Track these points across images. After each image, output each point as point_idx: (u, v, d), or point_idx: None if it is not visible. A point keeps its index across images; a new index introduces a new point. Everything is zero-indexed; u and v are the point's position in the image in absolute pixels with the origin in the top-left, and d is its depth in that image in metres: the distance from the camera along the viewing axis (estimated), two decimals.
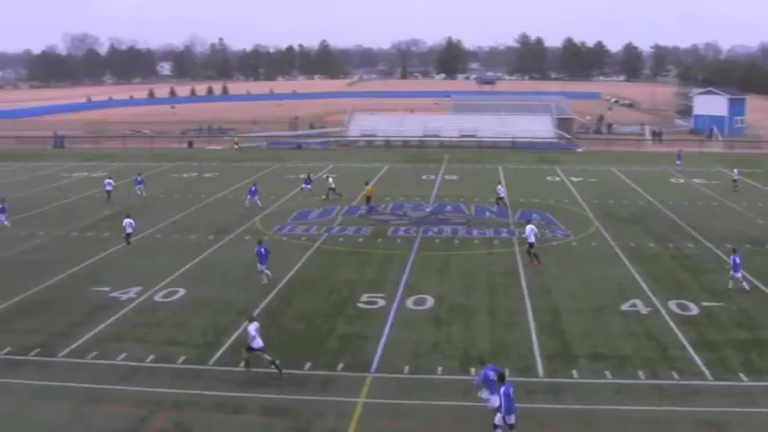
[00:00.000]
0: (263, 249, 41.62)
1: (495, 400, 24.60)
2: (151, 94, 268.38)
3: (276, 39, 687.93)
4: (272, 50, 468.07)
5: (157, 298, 38.86)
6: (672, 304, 36.87)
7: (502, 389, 23.97)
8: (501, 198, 62.56)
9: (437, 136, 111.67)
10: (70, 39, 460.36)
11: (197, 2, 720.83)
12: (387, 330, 33.58)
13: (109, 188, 67.39)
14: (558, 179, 76.42)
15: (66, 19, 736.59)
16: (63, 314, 36.65)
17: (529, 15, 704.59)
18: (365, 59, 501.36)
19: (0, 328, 34.88)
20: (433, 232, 52.46)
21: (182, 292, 39.75)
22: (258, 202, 61.22)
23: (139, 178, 69.12)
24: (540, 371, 29.22)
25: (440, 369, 29.15)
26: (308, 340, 32.67)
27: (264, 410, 26.23)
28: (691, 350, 31.19)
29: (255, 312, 35.89)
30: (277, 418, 25.70)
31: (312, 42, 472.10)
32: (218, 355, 31.15)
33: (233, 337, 33.02)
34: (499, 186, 64.39)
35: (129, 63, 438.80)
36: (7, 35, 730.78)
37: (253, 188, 62.43)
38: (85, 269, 44.86)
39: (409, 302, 37.33)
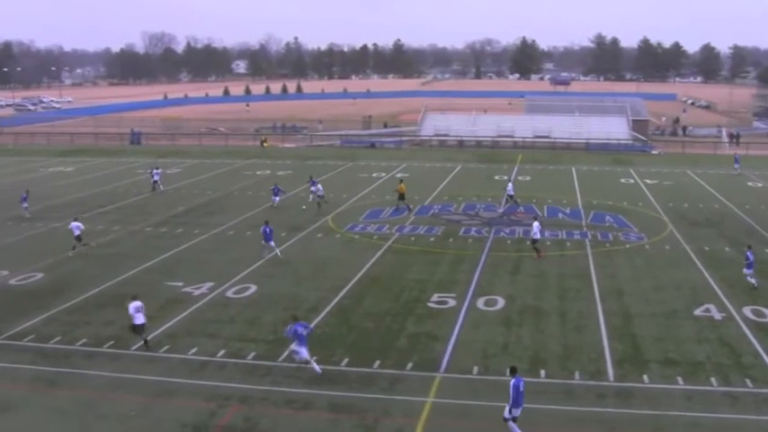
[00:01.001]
0: (267, 229, 45.73)
1: (304, 352, 28.56)
2: (226, 92, 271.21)
3: (351, 38, 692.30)
4: (346, 49, 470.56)
5: (229, 294, 39.27)
6: (747, 310, 36.22)
7: (512, 381, 24.25)
8: (511, 196, 62.30)
9: (510, 136, 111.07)
10: (148, 37, 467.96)
11: (273, 1, 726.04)
12: (457, 330, 33.53)
13: (156, 178, 70.98)
14: (632, 181, 75.51)
15: (144, 18, 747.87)
16: None
17: (604, 15, 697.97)
18: (439, 59, 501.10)
19: (77, 319, 35.62)
20: (505, 233, 52.21)
21: (253, 288, 40.12)
22: (274, 202, 61.34)
23: (157, 171, 72.89)
24: (611, 375, 28.90)
25: (509, 371, 28.97)
26: (378, 338, 32.74)
27: (332, 407, 26.35)
28: (765, 358, 30.59)
29: (327, 309, 36.22)
30: (344, 415, 25.81)
31: (386, 41, 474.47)
32: (287, 352, 31.32)
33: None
34: (509, 184, 64.05)
35: (205, 61, 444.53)
36: (88, 34, 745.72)
37: (275, 188, 62.73)
38: (159, 264, 45.52)
39: (480, 303, 37.22)
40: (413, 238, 50.70)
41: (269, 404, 26.66)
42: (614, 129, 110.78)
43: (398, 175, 64.84)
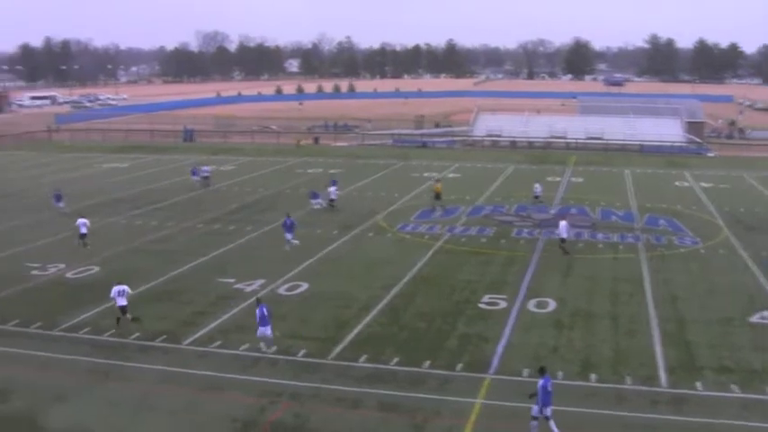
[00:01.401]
0: (288, 221, 48.32)
1: (267, 331, 31.01)
2: (279, 91, 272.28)
3: (403, 37, 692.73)
4: (398, 49, 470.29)
5: (281, 291, 39.52)
6: None
7: (540, 381, 24.40)
8: (537, 197, 62.54)
9: (563, 137, 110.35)
10: (202, 36, 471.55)
11: (326, 0, 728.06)
12: (507, 332, 33.46)
13: (206, 174, 72.49)
14: (686, 184, 74.66)
15: (198, 17, 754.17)
16: (189, 303, 37.68)
17: (660, 15, 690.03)
18: (492, 59, 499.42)
19: (131, 313, 35.99)
20: (557, 235, 51.93)
21: (305, 285, 40.32)
22: (314, 205, 60.64)
23: (195, 169, 74.52)
24: (663, 381, 28.64)
25: (560, 374, 28.86)
26: (428, 339, 32.77)
27: (382, 406, 26.44)
28: None
29: (378, 308, 36.34)
30: (394, 414, 25.89)
31: (439, 41, 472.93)
32: (338, 349, 31.50)
33: (354, 333, 33.38)
34: (536, 185, 64.21)
35: (258, 60, 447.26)
36: (143, 32, 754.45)
37: (313, 192, 62.36)
38: (212, 260, 45.92)
39: (531, 305, 37.09)
40: (464, 239, 50.64)
41: (319, 402, 26.82)
42: (668, 131, 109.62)
43: (435, 175, 64.69)
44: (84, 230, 49.13)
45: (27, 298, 38.85)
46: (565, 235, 47.04)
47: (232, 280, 41.39)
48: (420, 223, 55.26)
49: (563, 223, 47.56)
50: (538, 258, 45.82)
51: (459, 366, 29.61)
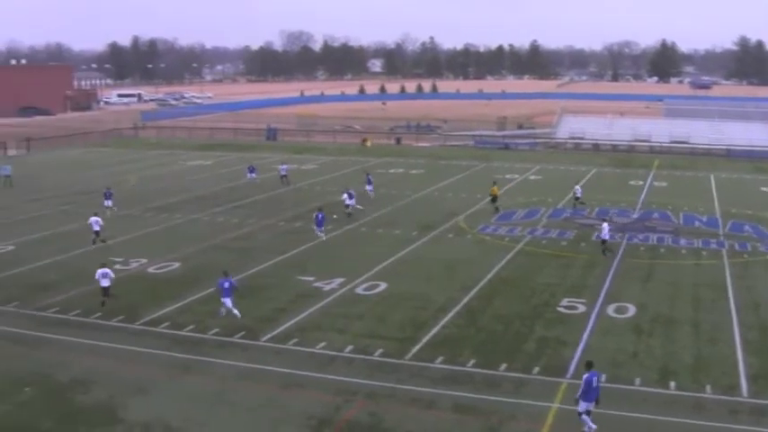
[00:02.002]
0: (320, 215, 50.51)
1: (228, 303, 34.50)
2: (362, 91, 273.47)
3: (487, 38, 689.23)
4: (482, 50, 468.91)
5: (359, 290, 39.65)
6: None
7: (585, 375, 24.51)
8: (578, 198, 61.99)
9: (647, 141, 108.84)
10: (286, 35, 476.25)
11: (410, 1, 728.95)
12: (585, 336, 33.09)
13: (284, 173, 73.64)
14: None
15: (283, 16, 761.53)
16: (268, 300, 38.02)
17: (749, 17, 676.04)
18: (576, 61, 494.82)
19: (210, 309, 36.49)
20: (639, 239, 51.26)
21: (383, 285, 40.39)
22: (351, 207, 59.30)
23: (252, 167, 76.40)
24: (744, 390, 27.99)
25: (638, 380, 28.46)
26: (506, 341, 32.58)
27: (457, 408, 26.34)
28: None
29: (456, 309, 36.27)
30: (469, 416, 25.78)
31: (523, 42, 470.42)
32: (415, 350, 31.48)
33: (431, 334, 33.33)
34: (577, 186, 63.54)
35: (342, 60, 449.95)
36: (228, 32, 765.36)
37: (349, 193, 59.82)
38: (291, 258, 46.28)
39: (610, 309, 36.64)
40: (544, 241, 50.26)
41: (394, 401, 26.83)
42: (757, 135, 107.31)
43: (494, 178, 64.46)
44: (96, 228, 49.50)
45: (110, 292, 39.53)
46: (606, 237, 47.18)
47: (311, 278, 41.65)
48: (500, 225, 54.98)
49: (605, 225, 47.83)
50: (618, 263, 45.24)
51: (536, 370, 29.38)
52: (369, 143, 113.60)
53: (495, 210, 59.36)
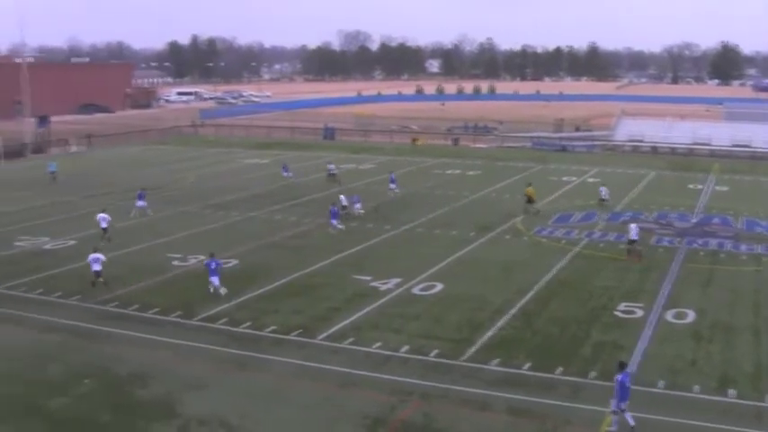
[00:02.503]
0: (335, 209, 53.42)
1: (215, 281, 38.18)
2: (419, 91, 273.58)
3: (545, 39, 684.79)
4: (539, 51, 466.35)
5: (415, 290, 39.64)
6: None
7: (619, 376, 24.61)
8: (603, 200, 61.90)
9: (707, 144, 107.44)
10: (344, 35, 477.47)
11: (468, 1, 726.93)
12: (643, 342, 32.75)
13: (333, 171, 74.72)
14: None
15: (340, 16, 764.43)
16: (324, 299, 38.16)
17: None
18: (635, 62, 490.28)
19: (267, 307, 36.79)
20: (698, 244, 50.61)
21: (439, 286, 40.34)
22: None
23: (286, 166, 77.24)
24: None
25: (696, 387, 28.10)
26: (562, 345, 32.38)
27: (511, 411, 26.24)
28: None
29: (512, 312, 36.13)
30: (523, 419, 25.66)
31: (581, 43, 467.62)
32: (470, 351, 31.41)
33: (487, 335, 33.23)
34: (602, 187, 63.50)
35: (399, 60, 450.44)
36: (286, 31, 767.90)
37: (356, 198, 59.90)
38: (348, 257, 46.41)
39: (669, 315, 36.22)
40: (602, 245, 49.86)
41: (448, 402, 26.81)
42: None
43: (528, 182, 64.25)
44: (104, 225, 49.91)
45: (168, 287, 40.04)
46: (635, 237, 46.88)
47: (368, 277, 41.73)
48: (557, 228, 54.63)
49: (633, 225, 47.57)
50: (677, 267, 44.72)
51: (593, 374, 29.14)
52: (419, 142, 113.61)
53: (535, 212, 58.88)
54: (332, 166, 76.74)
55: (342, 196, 58.40)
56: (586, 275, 42.74)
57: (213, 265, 38.80)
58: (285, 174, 75.78)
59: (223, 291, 38.34)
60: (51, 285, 40.29)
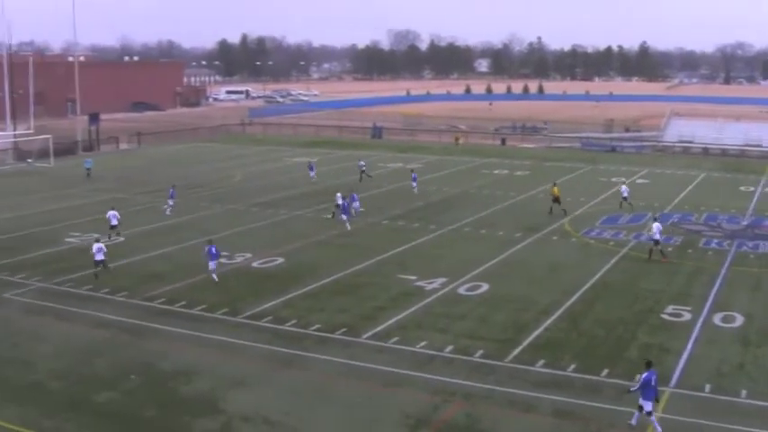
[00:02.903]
0: (345, 203, 54.51)
1: (212, 266, 40.40)
2: (468, 90, 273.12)
3: (595, 39, 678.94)
4: (589, 51, 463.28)
5: (461, 290, 39.54)
6: None
7: (644, 375, 24.94)
8: (625, 198, 61.35)
9: (759, 146, 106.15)
10: (393, 34, 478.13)
11: (518, 0, 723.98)
12: (690, 345, 32.37)
13: (363, 168, 74.95)
14: None
15: (390, 15, 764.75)
16: (370, 298, 38.19)
17: None
18: (686, 62, 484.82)
19: (312, 305, 36.91)
20: (748, 247, 49.95)
21: (485, 286, 40.21)
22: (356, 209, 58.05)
23: (312, 164, 77.75)
24: None
25: (744, 392, 27.71)
26: (607, 347, 32.12)
27: (555, 413, 26.06)
28: None
29: (558, 313, 35.90)
30: (568, 422, 25.46)
31: (632, 43, 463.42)
32: (515, 352, 31.26)
33: (532, 336, 33.06)
34: (623, 186, 63.01)
35: (448, 59, 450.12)
36: (336, 30, 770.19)
37: (353, 196, 59.56)
38: (394, 257, 46.41)
39: (716, 318, 35.78)
40: (649, 247, 49.37)
41: (492, 403, 26.68)
42: None
43: (556, 180, 63.93)
44: (114, 222, 50.24)
45: (214, 285, 40.22)
46: (658, 237, 46.16)
47: (413, 277, 41.69)
48: (605, 229, 54.23)
49: (656, 225, 46.71)
50: (726, 270, 44.18)
51: (638, 377, 28.82)
52: (460, 141, 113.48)
53: (562, 212, 58.42)
54: (362, 163, 77.54)
55: (338, 194, 57.70)
56: (633, 277, 42.36)
57: (213, 251, 40.85)
58: (311, 174, 75.36)
59: (215, 277, 40.52)
60: (99, 281, 40.68)
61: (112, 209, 51.66)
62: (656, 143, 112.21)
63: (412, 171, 71.12)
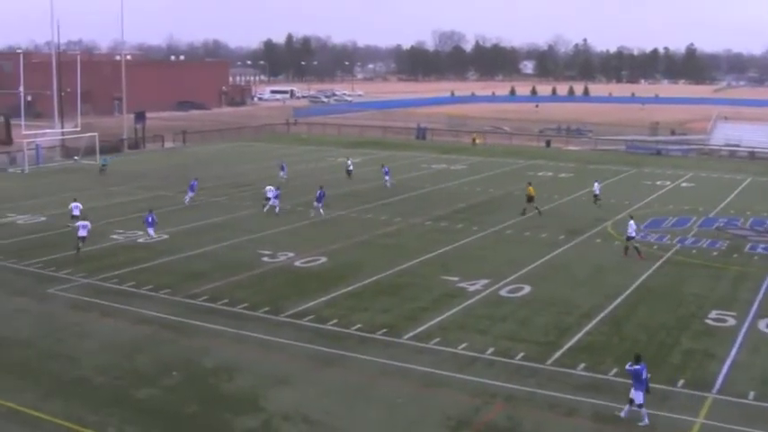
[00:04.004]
0: (321, 192, 57.80)
1: (151, 232, 49.06)
2: (512, 92, 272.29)
3: (641, 41, 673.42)
4: (635, 53, 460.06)
5: (503, 292, 39.41)
6: None
7: (635, 367, 25.39)
8: (596, 196, 62.45)
9: None
10: (438, 35, 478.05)
11: (563, 2, 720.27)
12: (734, 351, 32.00)
13: (386, 173, 73.34)
14: None
15: (435, 16, 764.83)
16: (412, 299, 38.16)
17: None
18: (734, 65, 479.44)
19: (354, 304, 36.99)
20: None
21: (527, 288, 40.05)
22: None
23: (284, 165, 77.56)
24: None
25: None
26: (650, 352, 31.75)
27: (596, 417, 25.88)
28: None
29: (599, 317, 35.70)
30: (609, 426, 25.30)
31: (678, 45, 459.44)
32: (556, 355, 31.11)
33: (573, 339, 32.88)
34: (596, 183, 64.23)
35: (493, 60, 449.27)
36: (381, 31, 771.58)
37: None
38: (436, 257, 46.37)
39: (762, 324, 35.30)
40: (694, 251, 48.93)
41: (533, 406, 26.57)
42: None
43: (529, 178, 64.71)
44: (76, 212, 52.23)
45: (256, 283, 40.50)
46: (633, 233, 46.95)
47: (456, 278, 41.63)
48: (649, 232, 53.79)
49: (631, 222, 47.62)
50: None
51: (681, 383, 28.59)
52: (479, 141, 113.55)
53: (537, 212, 58.38)
54: (349, 161, 79.85)
55: (268, 187, 60.79)
56: (677, 282, 41.98)
57: (150, 219, 49.31)
58: (282, 174, 74.98)
59: (154, 236, 49.23)
60: (142, 278, 41.06)
61: (75, 200, 53.98)
62: (702, 146, 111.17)
63: (382, 165, 74.06)
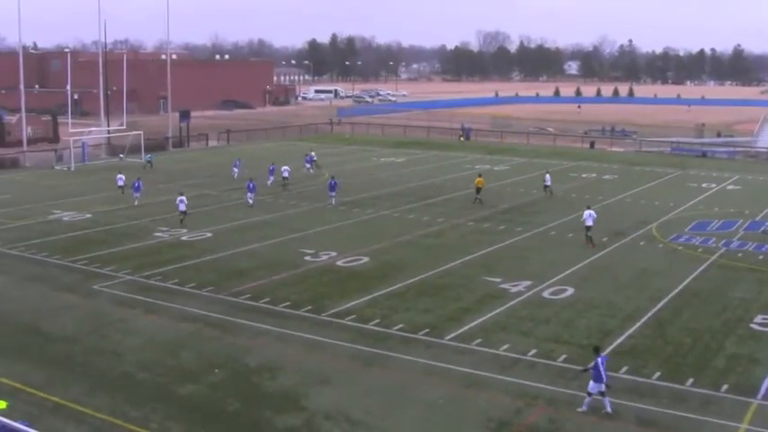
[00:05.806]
0: (251, 185, 60.30)
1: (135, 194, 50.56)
2: (557, 93, 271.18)
3: (687, 42, 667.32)
4: (681, 54, 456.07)
5: (546, 294, 39.25)
6: None
7: (598, 359, 26.10)
8: (547, 187, 65.85)
9: None
10: (483, 36, 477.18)
11: (609, 2, 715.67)
12: None
13: (314, 158, 77.77)
14: None
15: (479, 16, 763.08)
16: (454, 299, 38.13)
17: None
18: None
19: (396, 304, 37.01)
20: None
21: (570, 290, 39.86)
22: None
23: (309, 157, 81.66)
24: None
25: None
26: (694, 355, 31.58)
27: (639, 421, 25.72)
28: None
29: (643, 320, 35.44)
30: (651, 429, 25.15)
31: (725, 46, 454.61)
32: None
33: (616, 342, 32.68)
34: (546, 174, 67.18)
35: (538, 61, 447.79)
36: (425, 31, 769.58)
37: (271, 167, 71.29)
38: (479, 258, 46.27)
39: None
40: (740, 254, 48.38)
41: (575, 409, 26.43)
42: None
43: (479, 170, 67.58)
44: (182, 208, 53.86)
45: (299, 282, 40.66)
46: (590, 223, 49.13)
47: (498, 279, 41.53)
48: (694, 235, 53.29)
49: (588, 212, 49.71)
50: None
51: (725, 388, 28.31)
52: (462, 138, 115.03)
53: (478, 201, 61.83)
54: (313, 154, 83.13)
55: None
56: (722, 285, 41.53)
57: (136, 185, 59.27)
58: (235, 170, 75.47)
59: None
60: (186, 276, 41.39)
61: (180, 194, 55.49)
62: (749, 149, 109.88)
63: (306, 154, 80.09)
